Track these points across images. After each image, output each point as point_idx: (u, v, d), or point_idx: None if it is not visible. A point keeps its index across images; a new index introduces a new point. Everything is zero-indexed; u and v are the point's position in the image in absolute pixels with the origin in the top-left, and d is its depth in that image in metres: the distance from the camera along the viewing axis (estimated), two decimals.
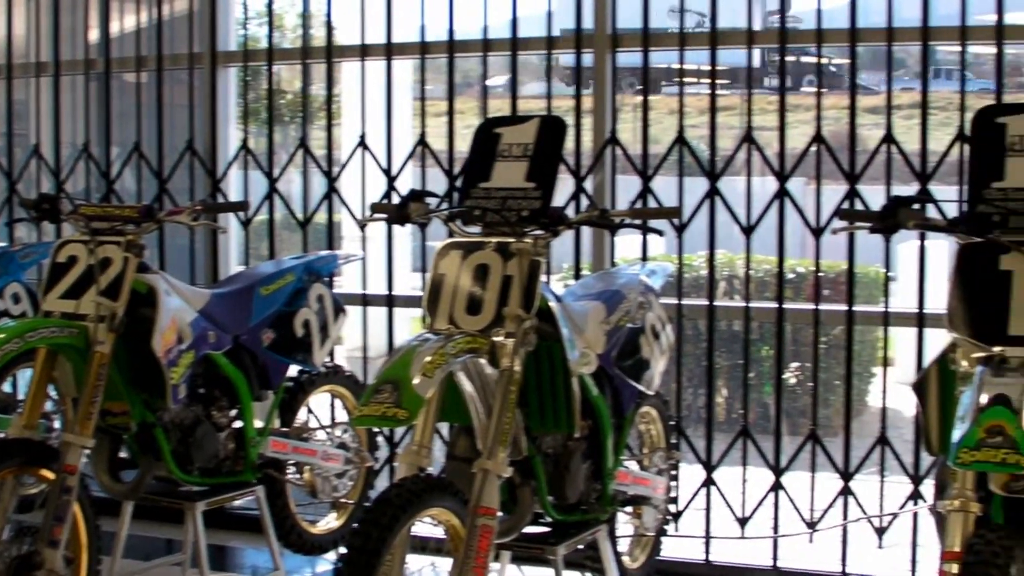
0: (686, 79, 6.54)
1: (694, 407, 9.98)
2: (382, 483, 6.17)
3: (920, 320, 6.12)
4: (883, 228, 4.19)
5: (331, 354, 6.34)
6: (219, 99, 7.48)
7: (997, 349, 3.81)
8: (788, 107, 6.38)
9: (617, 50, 6.58)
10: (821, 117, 6.24)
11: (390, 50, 7.04)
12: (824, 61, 6.69)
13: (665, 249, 11.00)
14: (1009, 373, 3.68)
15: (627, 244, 9.35)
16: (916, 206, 4.15)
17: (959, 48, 6.14)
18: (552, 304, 4.67)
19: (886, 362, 6.85)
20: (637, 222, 4.91)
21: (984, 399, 3.54)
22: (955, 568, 3.56)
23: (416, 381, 4.01)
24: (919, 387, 4.08)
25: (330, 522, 6.38)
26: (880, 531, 6.26)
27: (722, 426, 8.59)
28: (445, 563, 4.44)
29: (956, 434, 3.50)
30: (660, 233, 5.10)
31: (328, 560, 6.47)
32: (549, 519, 4.90)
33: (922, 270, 6.12)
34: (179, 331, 5.35)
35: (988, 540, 3.53)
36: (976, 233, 4.03)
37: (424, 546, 4.49)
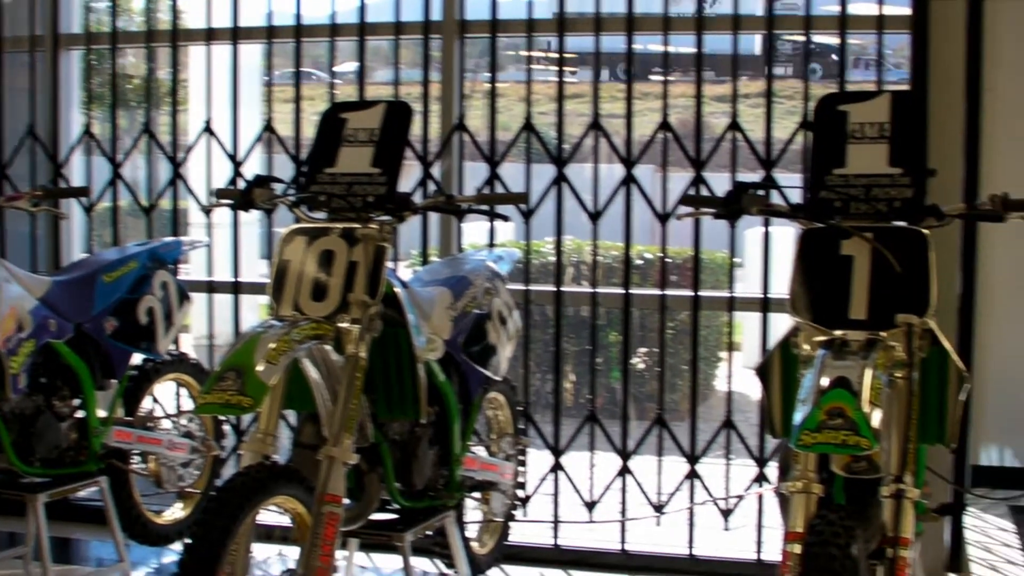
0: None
1: (542, 392, 10.02)
2: (229, 472, 6.11)
3: (764, 305, 6.19)
4: (727, 214, 4.23)
5: (176, 342, 6.27)
6: (61, 83, 7.33)
7: (838, 333, 3.88)
8: (636, 95, 6.42)
9: (465, 36, 6.58)
10: (668, 105, 6.29)
11: (236, 34, 6.97)
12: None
13: (513, 235, 11.04)
14: (849, 356, 3.74)
15: (475, 230, 9.34)
16: (759, 192, 4.20)
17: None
18: (398, 290, 4.66)
19: (731, 347, 6.94)
20: (484, 208, 4.92)
21: (825, 382, 3.59)
22: (798, 548, 3.60)
23: (260, 368, 3.97)
24: (762, 371, 4.12)
25: (176, 512, 6.29)
26: (726, 513, 6.33)
27: (570, 411, 8.64)
28: (292, 551, 4.41)
29: (798, 417, 3.54)
30: (507, 219, 5.09)
31: (174, 551, 6.36)
32: (397, 506, 4.89)
33: (766, 256, 6.19)
34: (18, 319, 5.24)
35: (830, 520, 3.58)
36: (817, 219, 4.08)
37: (270, 534, 4.47)
